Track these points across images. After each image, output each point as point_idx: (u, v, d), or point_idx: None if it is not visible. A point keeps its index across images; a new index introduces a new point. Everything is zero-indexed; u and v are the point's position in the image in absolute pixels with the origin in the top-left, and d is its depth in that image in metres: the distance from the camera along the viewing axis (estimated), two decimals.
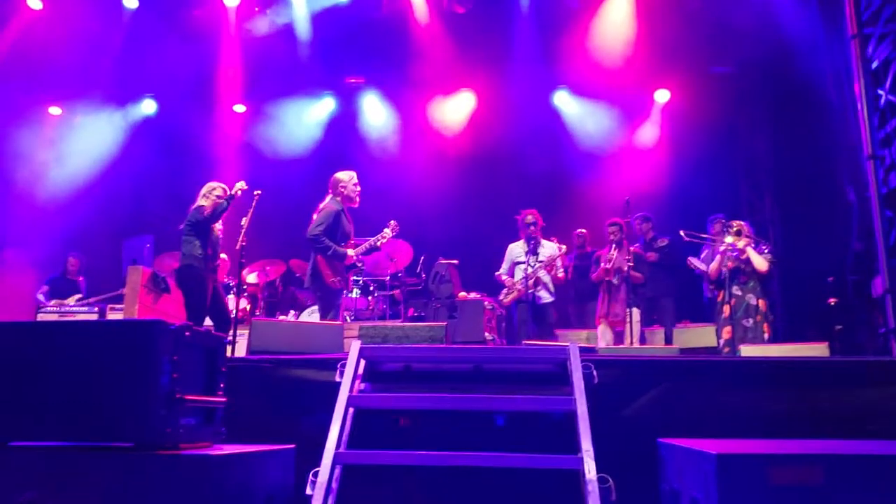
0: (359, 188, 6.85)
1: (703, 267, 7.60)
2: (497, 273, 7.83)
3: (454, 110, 10.99)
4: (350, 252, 6.68)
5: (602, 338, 7.63)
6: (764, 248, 6.84)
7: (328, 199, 6.84)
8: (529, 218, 7.62)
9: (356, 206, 6.87)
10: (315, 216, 6.74)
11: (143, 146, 10.69)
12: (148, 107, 11.21)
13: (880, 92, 7.25)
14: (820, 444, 3.24)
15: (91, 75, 10.08)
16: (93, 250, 9.73)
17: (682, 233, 7.35)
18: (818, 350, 5.31)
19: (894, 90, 7.12)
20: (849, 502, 2.63)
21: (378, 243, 6.99)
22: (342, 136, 11.12)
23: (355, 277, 8.18)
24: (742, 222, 6.93)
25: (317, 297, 6.80)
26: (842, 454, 2.73)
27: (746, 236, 6.77)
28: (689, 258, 7.82)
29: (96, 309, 8.23)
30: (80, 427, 2.84)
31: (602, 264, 7.76)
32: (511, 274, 7.62)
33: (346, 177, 6.84)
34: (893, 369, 4.35)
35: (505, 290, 7.65)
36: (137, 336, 2.89)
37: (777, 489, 2.64)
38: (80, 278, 9.35)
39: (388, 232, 7.03)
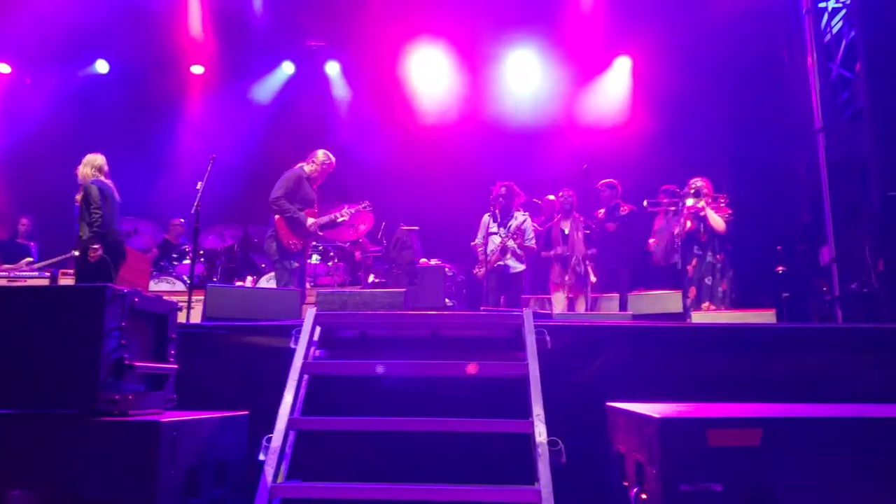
0: (326, 174, 7.05)
1: (658, 255, 7.68)
2: (473, 243, 7.98)
3: (416, 74, 10.88)
4: (310, 220, 6.77)
5: (557, 305, 7.75)
6: (722, 200, 6.90)
7: (297, 165, 7.00)
8: (502, 190, 7.78)
9: (315, 185, 7.04)
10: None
11: (97, 107, 10.41)
12: (101, 66, 10.89)
13: (831, 66, 7.38)
14: (760, 407, 3.34)
15: (44, 33, 9.74)
16: (45, 214, 9.50)
17: (644, 203, 7.44)
18: (766, 317, 5.41)
19: (845, 64, 7.25)
20: (784, 462, 2.73)
21: (339, 220, 7.13)
22: (302, 100, 10.97)
23: (314, 243, 8.22)
24: (700, 179, 6.96)
25: (273, 259, 6.82)
26: (778, 417, 2.82)
27: (706, 195, 6.83)
28: (650, 242, 7.90)
29: (48, 274, 8.06)
30: (26, 394, 2.81)
31: (556, 249, 7.86)
32: (486, 244, 7.70)
33: (323, 157, 7.03)
34: (837, 335, 4.50)
35: (478, 264, 7.76)
36: (85, 302, 2.85)
37: (716, 451, 2.72)
38: (32, 244, 9.14)
39: (346, 212, 7.14)
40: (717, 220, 6.71)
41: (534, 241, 7.83)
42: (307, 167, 6.98)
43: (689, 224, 6.80)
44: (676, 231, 6.94)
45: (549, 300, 7.88)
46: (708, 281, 6.65)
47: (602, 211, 8.26)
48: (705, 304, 6.53)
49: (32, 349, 2.81)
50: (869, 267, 6.77)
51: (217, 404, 3.62)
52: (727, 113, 9.56)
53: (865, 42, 6.98)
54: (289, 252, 6.72)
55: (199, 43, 10.71)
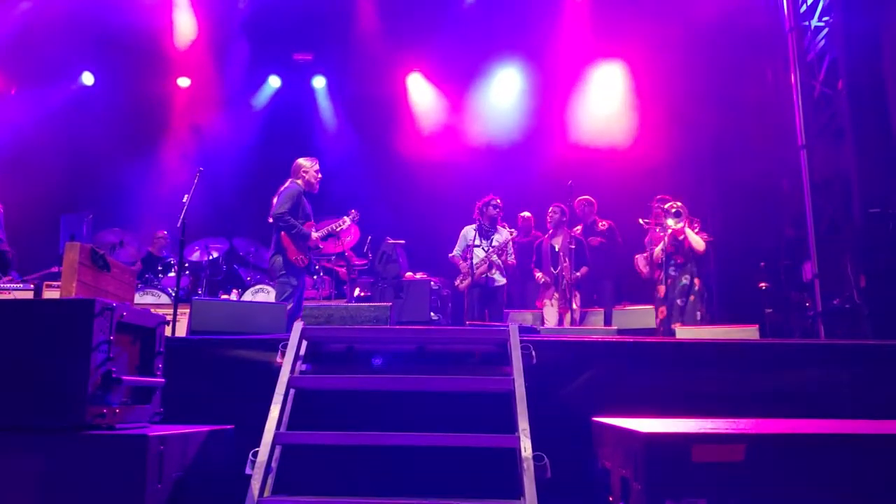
0: (320, 175, 7.00)
1: (645, 270, 7.76)
2: (451, 255, 7.97)
3: (403, 89, 10.94)
4: (314, 233, 6.80)
5: (548, 318, 7.79)
6: (696, 225, 7.03)
7: (289, 182, 6.94)
8: (498, 202, 7.83)
9: (315, 191, 7.02)
10: (276, 198, 6.81)
11: (82, 119, 10.36)
12: (87, 78, 10.85)
13: (814, 83, 7.49)
14: (743, 422, 3.37)
15: (30, 45, 9.72)
16: (29, 225, 9.41)
17: (641, 221, 7.53)
18: (749, 332, 5.46)
19: (828, 82, 7.36)
20: (767, 477, 2.76)
21: (337, 229, 7.13)
22: (289, 114, 10.99)
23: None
24: (678, 203, 7.07)
25: (278, 275, 6.78)
26: (761, 433, 2.86)
27: (687, 217, 6.94)
28: (636, 257, 7.98)
29: (31, 286, 7.98)
30: (14, 407, 2.79)
31: (545, 274, 7.93)
32: (465, 256, 7.72)
33: (309, 163, 6.99)
34: (820, 351, 4.54)
35: (461, 276, 7.75)
36: (73, 315, 2.84)
37: (700, 466, 2.75)
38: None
39: (347, 220, 7.16)
40: (696, 240, 6.84)
41: (513, 257, 7.89)
42: (300, 181, 6.90)
43: (668, 247, 6.91)
44: (656, 252, 7.05)
45: (542, 314, 7.93)
46: (680, 302, 6.74)
47: (579, 228, 8.33)
48: (676, 325, 6.59)
49: (20, 362, 2.79)
50: (851, 283, 6.86)
51: (203, 418, 3.61)
52: (712, 129, 9.66)
53: (847, 60, 7.10)
54: (295, 268, 6.70)
55: (185, 55, 10.70)
